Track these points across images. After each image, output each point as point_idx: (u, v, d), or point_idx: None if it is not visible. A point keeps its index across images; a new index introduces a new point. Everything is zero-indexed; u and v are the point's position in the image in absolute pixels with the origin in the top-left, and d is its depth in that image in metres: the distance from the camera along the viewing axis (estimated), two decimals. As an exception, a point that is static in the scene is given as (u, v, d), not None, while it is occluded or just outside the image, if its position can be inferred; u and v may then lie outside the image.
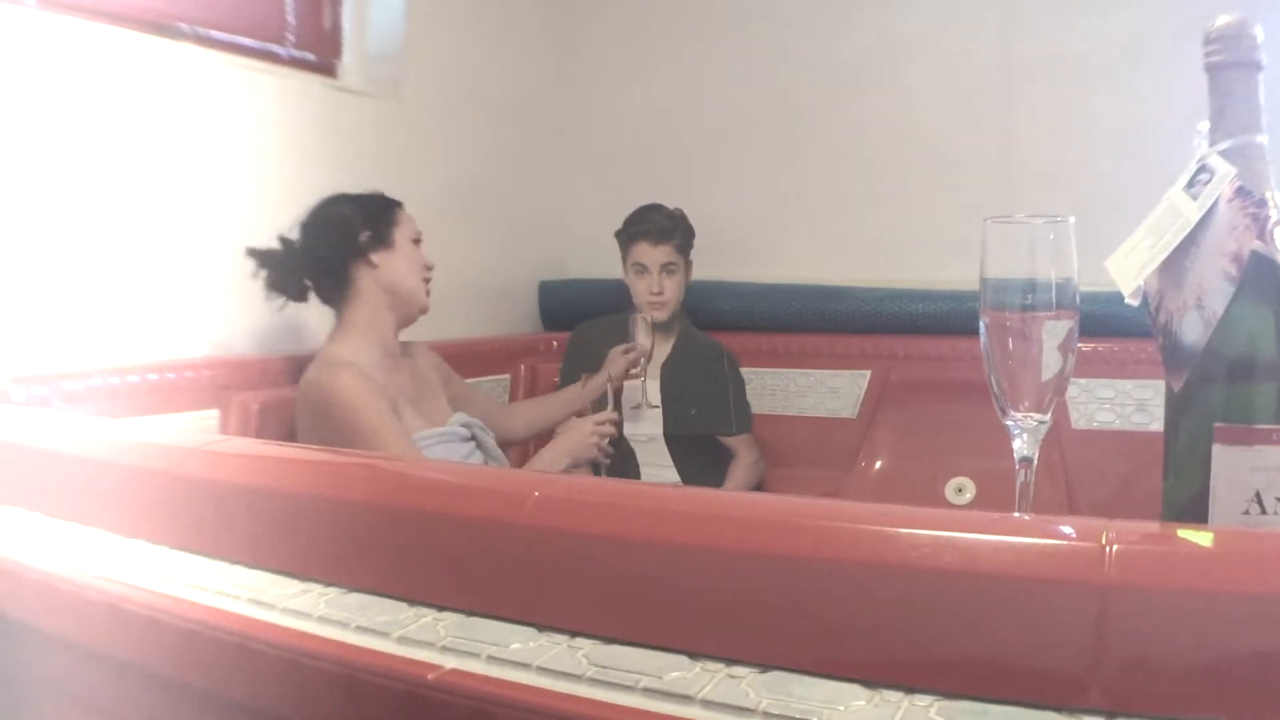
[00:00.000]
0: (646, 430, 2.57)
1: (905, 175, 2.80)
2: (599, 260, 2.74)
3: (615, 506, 0.83)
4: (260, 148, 2.15)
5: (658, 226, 2.59)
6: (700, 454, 2.60)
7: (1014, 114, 2.72)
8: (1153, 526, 0.73)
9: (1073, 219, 0.92)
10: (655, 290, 2.58)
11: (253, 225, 2.12)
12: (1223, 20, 0.93)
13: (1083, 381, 2.43)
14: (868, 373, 2.72)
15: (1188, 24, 2.41)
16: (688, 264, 2.65)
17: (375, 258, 2.02)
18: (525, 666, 0.76)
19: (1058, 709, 0.65)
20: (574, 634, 0.79)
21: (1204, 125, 0.96)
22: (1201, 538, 0.71)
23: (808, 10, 2.92)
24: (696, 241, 2.68)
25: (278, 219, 2.16)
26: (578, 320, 2.76)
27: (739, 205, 2.99)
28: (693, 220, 2.68)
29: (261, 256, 2.00)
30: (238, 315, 2.10)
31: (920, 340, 2.66)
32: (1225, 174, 0.90)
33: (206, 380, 1.94)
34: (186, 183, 1.99)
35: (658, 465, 2.58)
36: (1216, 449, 0.87)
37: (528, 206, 3.05)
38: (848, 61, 2.87)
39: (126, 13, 1.95)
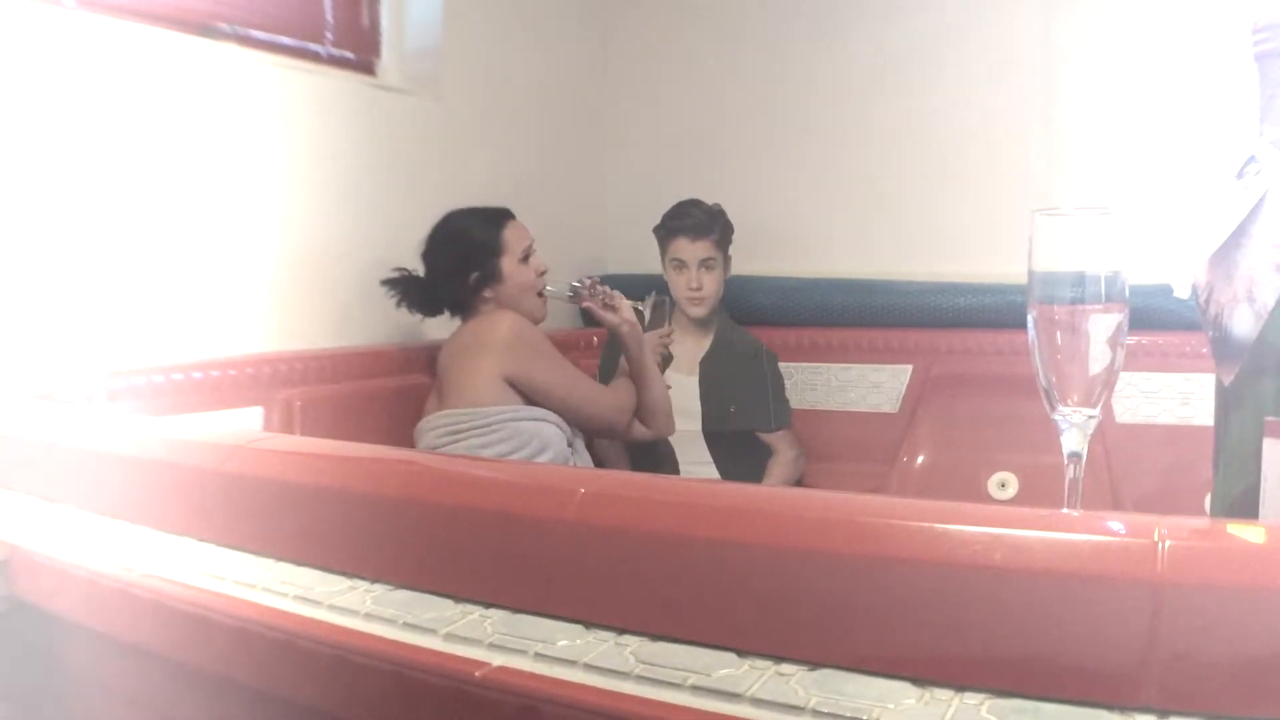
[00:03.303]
0: (685, 426, 2.57)
1: (947, 167, 2.78)
2: (639, 256, 2.74)
3: (662, 503, 0.83)
4: (300, 146, 2.16)
5: (696, 222, 2.58)
6: (739, 450, 2.59)
7: (1057, 103, 2.68)
8: (1204, 522, 0.72)
9: (1121, 211, 0.90)
10: (694, 286, 2.57)
11: (294, 223, 2.13)
12: (1271, 8, 0.91)
13: (1126, 374, 2.40)
14: (910, 367, 2.70)
15: (1235, 7, 2.38)
16: (726, 259, 2.64)
17: (488, 292, 2.20)
18: (573, 664, 0.76)
19: (1110, 707, 0.64)
20: (621, 631, 0.79)
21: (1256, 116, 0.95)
22: (1254, 533, 0.70)
23: (848, 2, 2.90)
24: (736, 236, 2.67)
25: (318, 217, 2.18)
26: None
27: (779, 199, 2.98)
28: (733, 214, 2.67)
29: (394, 284, 2.20)
30: (279, 312, 2.11)
31: (962, 334, 2.64)
32: (1275, 164, 0.89)
33: (249, 378, 1.96)
34: (227, 182, 2.01)
35: (696, 462, 2.57)
36: (1268, 443, 0.86)
37: (568, 203, 3.05)
38: (888, 53, 2.85)
39: (166, 13, 1.97)
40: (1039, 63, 2.69)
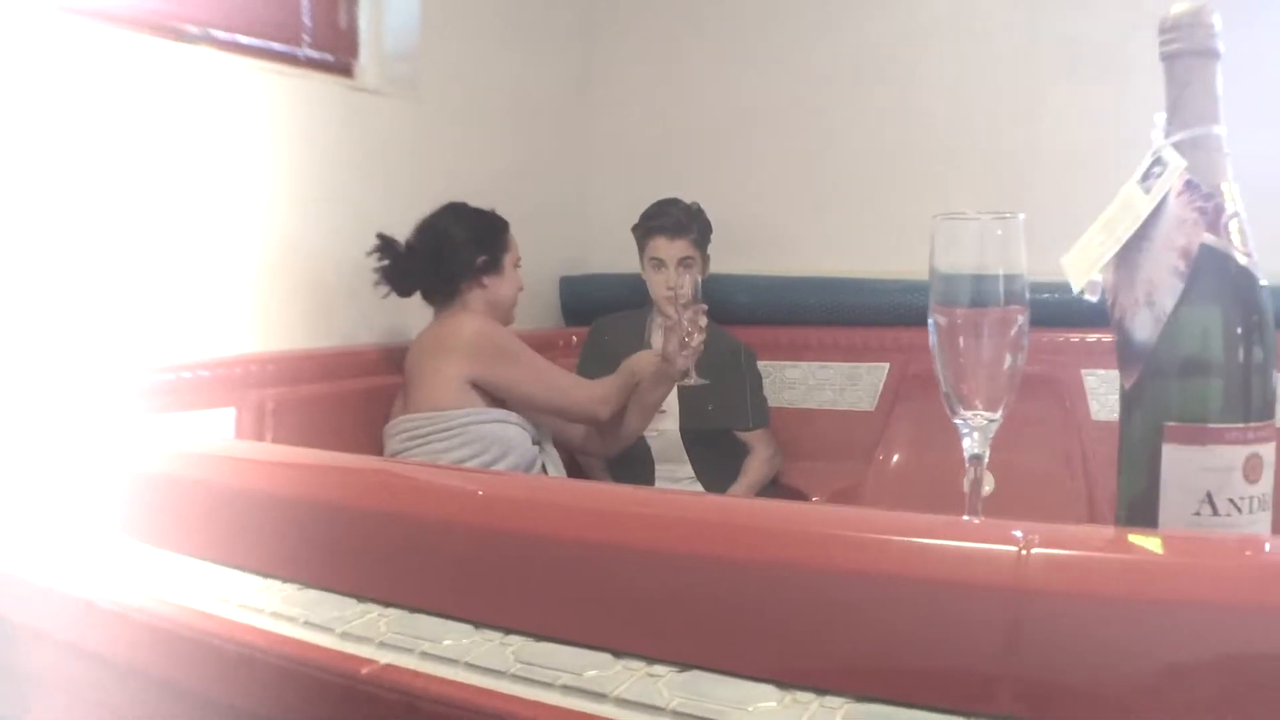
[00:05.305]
0: (662, 425, 2.57)
1: (925, 166, 2.77)
2: (620, 255, 2.75)
3: (547, 505, 0.84)
4: (279, 149, 2.18)
5: (674, 221, 2.58)
6: (716, 449, 2.59)
7: (1036, 103, 2.68)
8: (1076, 530, 0.72)
9: (1022, 215, 0.91)
10: (672, 284, 2.57)
11: (270, 225, 2.15)
12: (1179, 8, 0.91)
13: (1101, 372, 2.40)
14: (886, 365, 2.70)
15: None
16: (705, 258, 2.65)
17: (486, 280, 2.22)
18: (454, 663, 0.77)
19: (967, 714, 0.64)
20: (508, 631, 0.80)
21: (1160, 116, 0.95)
22: (1123, 543, 0.70)
23: (827, 3, 2.90)
24: (715, 235, 2.68)
25: (295, 218, 2.19)
26: (598, 315, 2.78)
27: (759, 198, 2.98)
28: (714, 213, 2.67)
29: (385, 247, 2.19)
30: (254, 314, 2.13)
31: (939, 333, 2.62)
32: (1176, 167, 0.89)
33: (221, 379, 1.97)
34: (204, 183, 2.02)
35: (673, 461, 2.58)
36: (1167, 449, 0.86)
37: (549, 202, 3.05)
38: (867, 52, 2.85)
39: (143, 18, 1.98)
40: (1018, 60, 2.69)
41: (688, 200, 2.63)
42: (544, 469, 2.20)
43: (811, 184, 2.94)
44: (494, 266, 2.23)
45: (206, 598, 0.94)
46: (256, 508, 0.99)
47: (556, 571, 0.79)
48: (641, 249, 2.64)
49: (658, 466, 2.56)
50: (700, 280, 2.32)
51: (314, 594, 0.92)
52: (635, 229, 2.65)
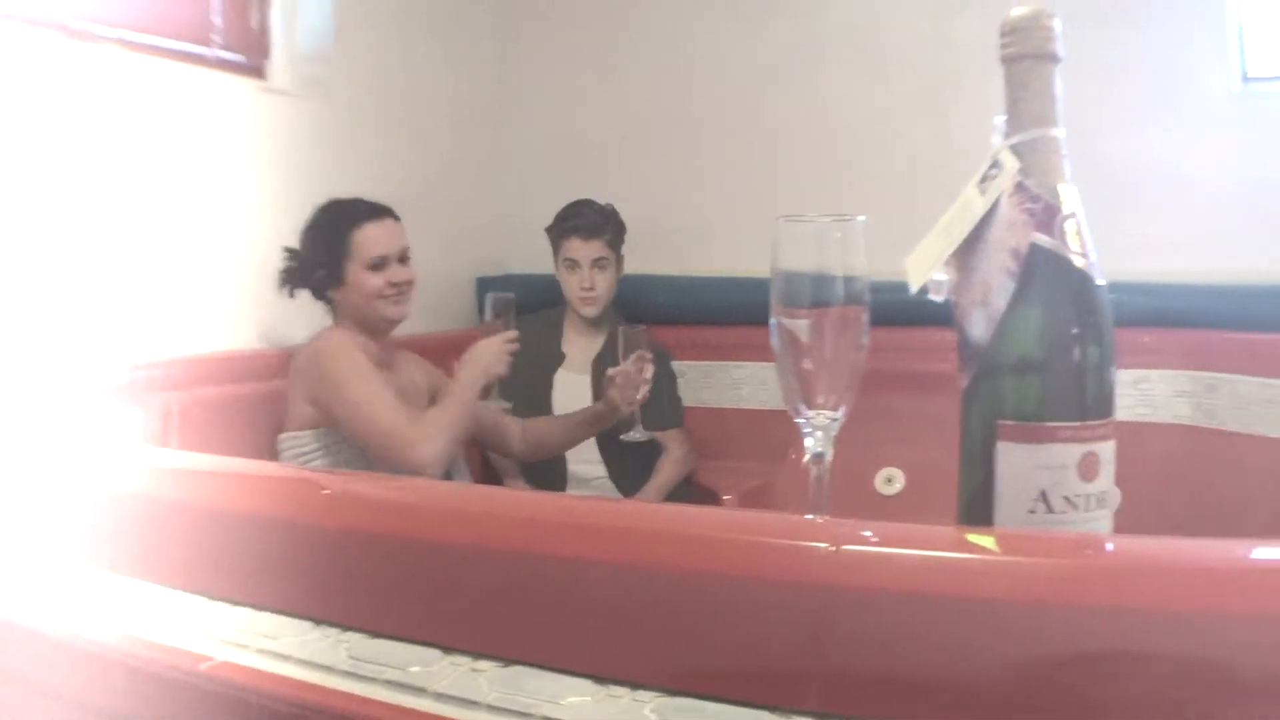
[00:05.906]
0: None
1: (840, 165, 2.79)
2: (538, 256, 2.76)
3: (383, 504, 0.85)
4: (189, 150, 2.16)
5: (589, 222, 2.60)
6: (629, 448, 2.59)
7: (952, 102, 2.70)
8: (900, 528, 0.72)
9: (862, 217, 0.93)
10: (586, 285, 2.59)
11: (180, 228, 2.13)
12: (1017, 11, 0.94)
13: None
14: (801, 364, 2.71)
15: (1120, 10, 2.41)
16: (619, 259, 2.67)
17: (331, 294, 2.12)
18: (287, 659, 0.78)
19: (771, 709, 0.66)
20: (345, 628, 0.81)
21: (1001, 119, 0.97)
22: (940, 540, 0.72)
23: (745, 1, 2.93)
24: (635, 235, 2.69)
25: (208, 220, 2.18)
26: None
27: (675, 198, 3.00)
28: (631, 213, 2.69)
29: (289, 253, 2.15)
30: (161, 316, 2.10)
31: (852, 331, 2.65)
32: (1010, 169, 0.91)
33: (127, 382, 1.95)
34: (110, 186, 1.99)
35: (586, 460, 2.58)
36: (1001, 446, 0.87)
37: (466, 204, 3.05)
38: (784, 51, 2.87)
39: (49, 17, 1.95)
40: (933, 59, 2.71)
41: (602, 201, 2.65)
42: (448, 474, 2.17)
43: (728, 184, 2.95)
44: (333, 280, 2.10)
45: (49, 594, 0.95)
46: (109, 508, 0.99)
47: (391, 569, 0.80)
48: (556, 250, 2.65)
49: (570, 466, 2.57)
50: (647, 329, 2.28)
51: (166, 593, 0.92)
52: (550, 230, 2.66)
